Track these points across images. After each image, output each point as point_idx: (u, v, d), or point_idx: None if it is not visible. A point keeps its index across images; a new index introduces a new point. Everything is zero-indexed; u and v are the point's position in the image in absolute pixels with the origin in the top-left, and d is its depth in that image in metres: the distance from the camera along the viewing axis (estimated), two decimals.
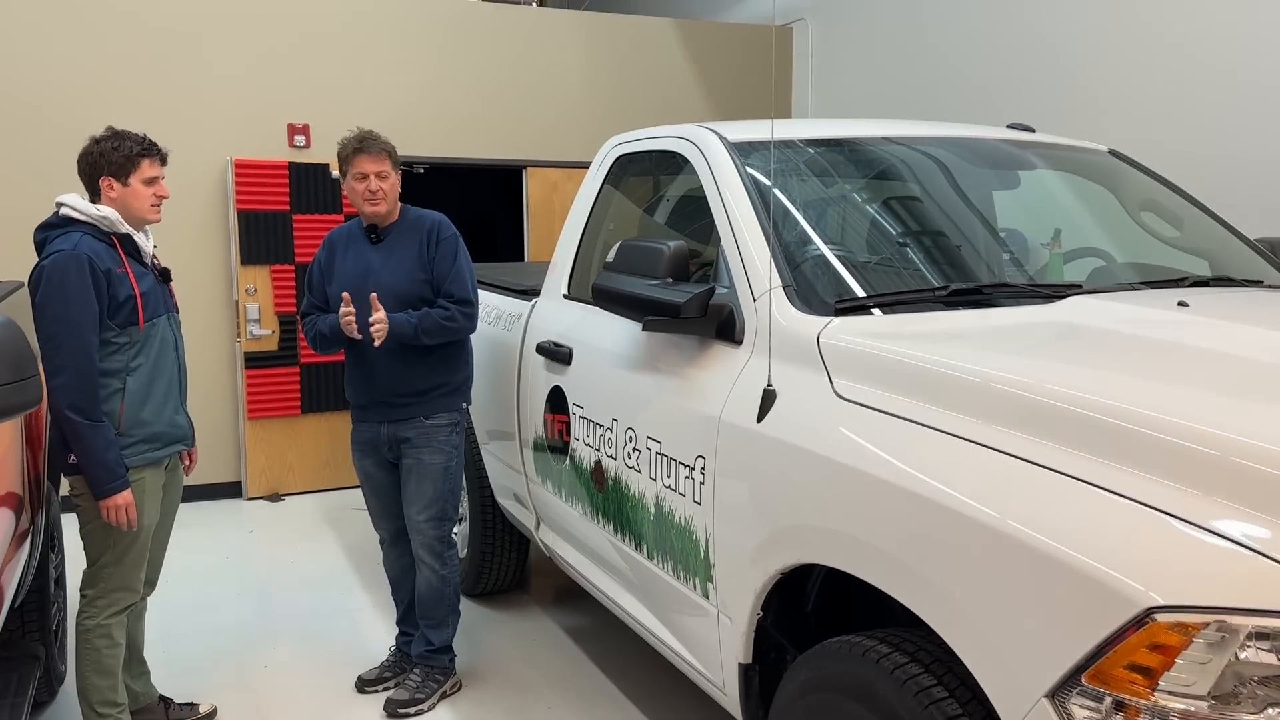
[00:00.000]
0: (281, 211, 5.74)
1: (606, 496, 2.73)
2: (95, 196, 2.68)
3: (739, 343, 2.26)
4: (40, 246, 2.60)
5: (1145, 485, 1.40)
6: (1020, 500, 1.47)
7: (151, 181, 2.71)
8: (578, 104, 6.63)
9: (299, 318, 3.33)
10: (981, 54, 5.60)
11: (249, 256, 5.70)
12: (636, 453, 2.54)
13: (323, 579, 4.50)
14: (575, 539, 3.08)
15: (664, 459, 2.40)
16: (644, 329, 2.31)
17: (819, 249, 2.35)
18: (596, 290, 2.52)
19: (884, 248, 2.45)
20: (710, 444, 2.19)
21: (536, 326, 3.34)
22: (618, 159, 3.17)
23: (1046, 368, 1.66)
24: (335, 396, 5.96)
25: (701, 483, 2.23)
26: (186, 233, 5.67)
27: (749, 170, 2.52)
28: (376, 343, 3.01)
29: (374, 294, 3.05)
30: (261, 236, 5.71)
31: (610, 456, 2.69)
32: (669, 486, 2.38)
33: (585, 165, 6.67)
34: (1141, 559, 1.30)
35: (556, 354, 3.07)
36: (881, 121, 2.93)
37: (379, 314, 3.00)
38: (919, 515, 1.60)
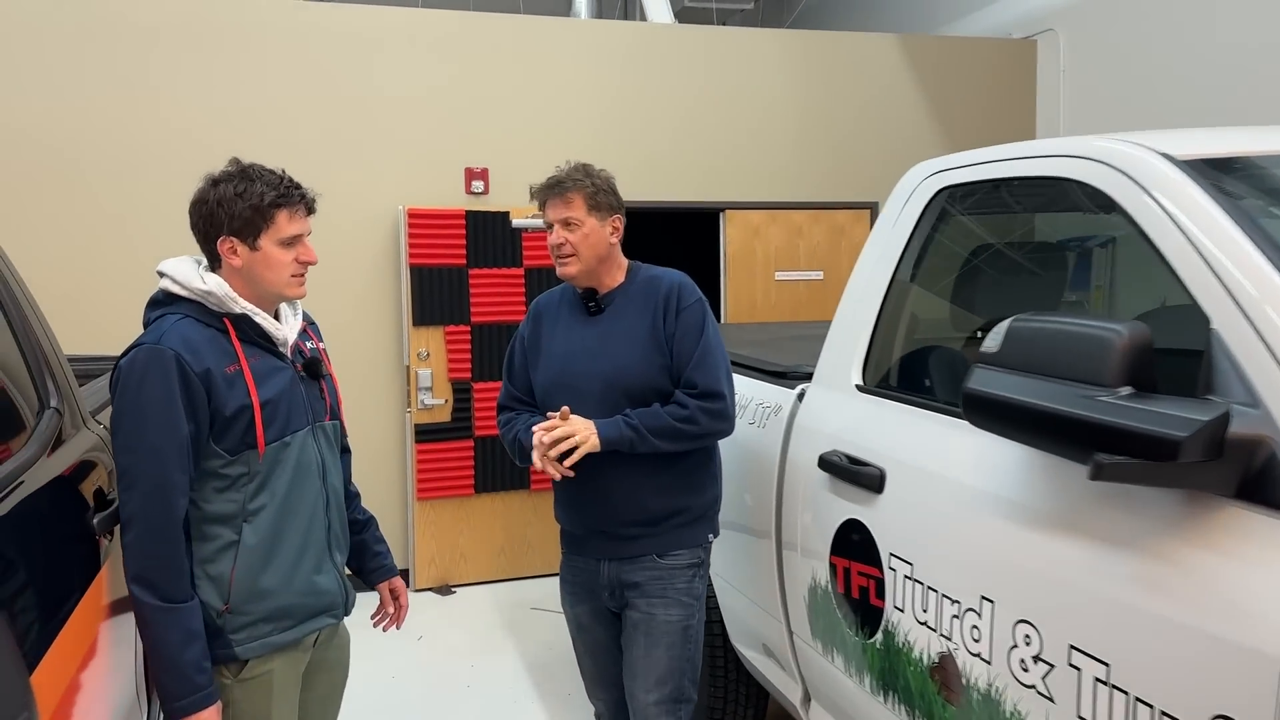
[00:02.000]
0: (457, 266, 5.07)
1: (969, 715, 1.76)
2: (214, 263, 1.88)
3: None
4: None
5: None
6: None
7: (292, 242, 1.87)
8: (784, 136, 5.75)
9: (497, 410, 2.49)
10: None
11: (421, 317, 5.04)
12: (1046, 668, 1.56)
13: (503, 716, 3.67)
14: None
15: (1126, 700, 1.41)
16: (1093, 475, 1.34)
17: None
18: (976, 400, 1.57)
19: None
20: (1266, 709, 1.19)
21: (809, 427, 2.41)
22: (939, 194, 2.23)
23: None
24: (511, 474, 5.21)
25: None
26: (354, 291, 5.07)
27: (1243, 207, 1.53)
28: (567, 461, 2.19)
29: (565, 408, 2.22)
30: (435, 294, 5.05)
31: (978, 655, 1.72)
32: None
33: (792, 206, 5.76)
34: None
35: (856, 475, 2.13)
36: None
37: (567, 427, 2.18)
38: None
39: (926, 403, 2.04)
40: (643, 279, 2.37)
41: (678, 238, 7.11)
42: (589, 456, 2.20)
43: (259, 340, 1.88)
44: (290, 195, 1.87)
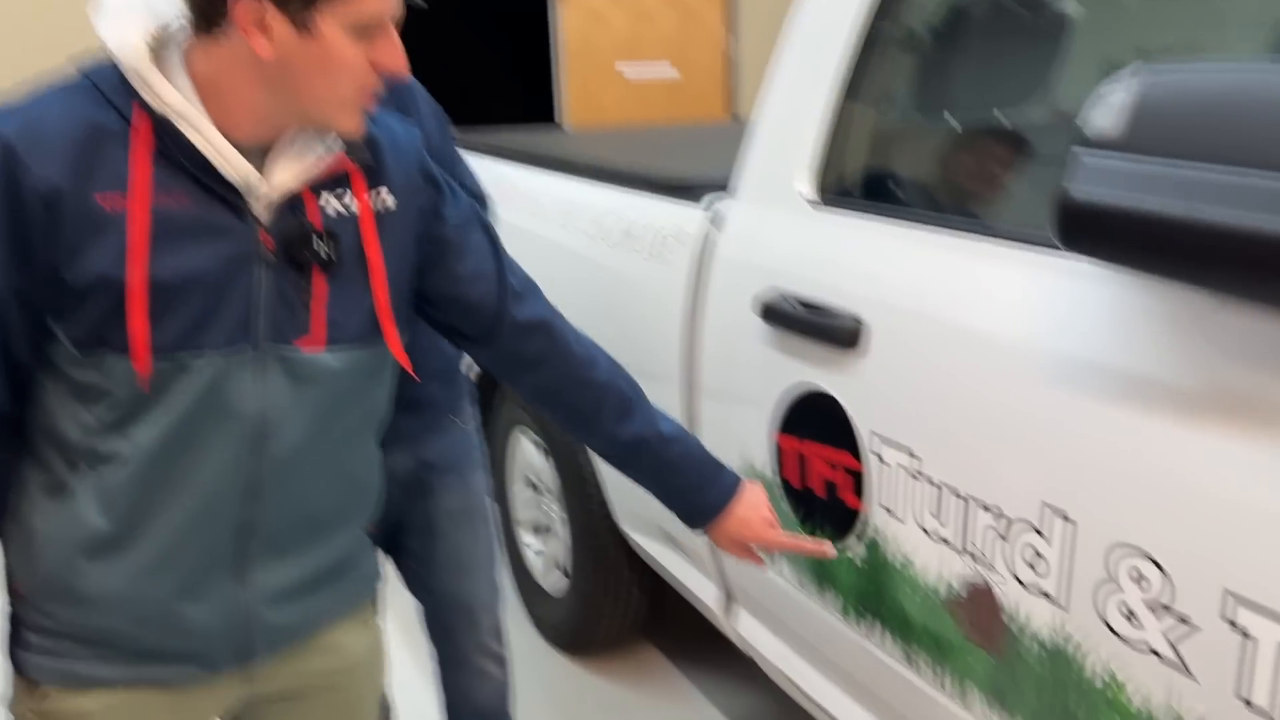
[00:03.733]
0: None
1: (1021, 672, 1.23)
2: (212, 34, 0.93)
3: None
4: None
5: None
6: None
7: (369, 32, 0.95)
8: None
9: None
10: None
11: None
12: (1177, 625, 1.02)
13: None
14: (853, 683, 1.59)
15: None
16: None
17: None
18: (1090, 214, 0.94)
19: None
20: None
21: (735, 259, 1.74)
22: None
23: None
24: None
25: None
26: None
27: None
28: None
29: None
30: None
31: (1041, 594, 1.17)
32: None
33: None
34: None
35: (817, 326, 1.49)
36: None
37: None
38: None
39: (932, 219, 1.41)
40: None
41: (499, 29, 6.07)
42: None
43: (196, 171, 0.97)
44: None
